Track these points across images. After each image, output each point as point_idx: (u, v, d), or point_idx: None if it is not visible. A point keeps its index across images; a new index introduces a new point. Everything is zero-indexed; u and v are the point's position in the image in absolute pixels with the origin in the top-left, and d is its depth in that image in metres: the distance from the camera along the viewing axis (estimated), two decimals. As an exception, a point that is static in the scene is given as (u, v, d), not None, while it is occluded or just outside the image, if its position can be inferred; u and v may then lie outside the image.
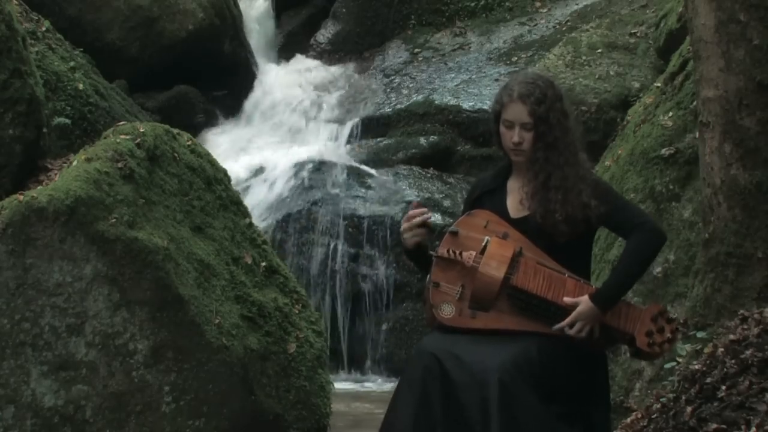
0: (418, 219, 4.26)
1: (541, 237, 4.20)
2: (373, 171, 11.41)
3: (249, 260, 6.30)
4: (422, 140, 11.84)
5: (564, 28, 12.93)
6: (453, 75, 12.75)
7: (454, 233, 4.23)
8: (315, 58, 13.89)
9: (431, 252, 4.25)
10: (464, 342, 4.08)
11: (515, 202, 4.30)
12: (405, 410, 4.04)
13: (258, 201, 10.91)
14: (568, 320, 4.10)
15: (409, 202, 10.77)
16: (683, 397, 4.16)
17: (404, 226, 4.28)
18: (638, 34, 11.46)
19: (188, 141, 6.42)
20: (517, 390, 3.95)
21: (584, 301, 4.11)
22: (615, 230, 4.39)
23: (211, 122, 12.76)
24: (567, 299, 4.12)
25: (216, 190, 6.37)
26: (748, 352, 4.09)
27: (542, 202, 4.19)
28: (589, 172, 4.32)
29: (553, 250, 4.19)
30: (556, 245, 4.20)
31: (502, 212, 4.28)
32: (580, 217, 4.17)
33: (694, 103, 5.59)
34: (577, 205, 4.17)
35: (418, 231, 4.26)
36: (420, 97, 12.44)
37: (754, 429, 3.74)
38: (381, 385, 9.98)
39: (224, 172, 6.58)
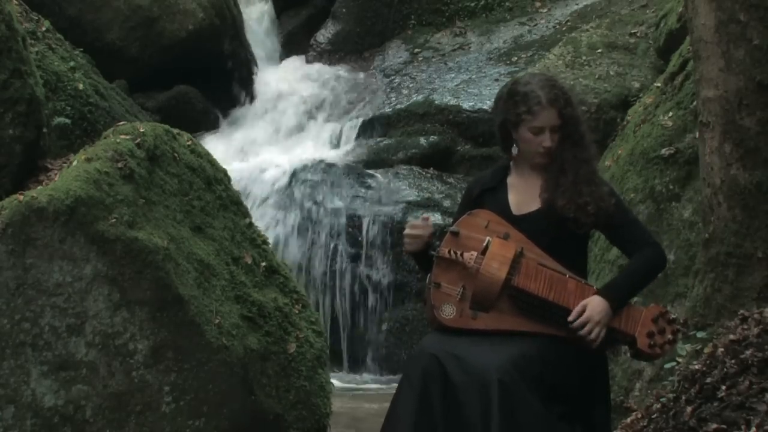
0: (418, 231, 4.28)
1: (544, 234, 4.21)
2: (373, 171, 11.41)
3: (249, 260, 6.30)
4: (422, 140, 11.84)
5: (564, 28, 12.93)
6: (453, 75, 12.74)
7: (455, 233, 4.23)
8: (315, 58, 13.89)
9: (432, 252, 4.25)
10: (464, 342, 4.09)
11: (518, 198, 4.31)
12: (405, 411, 4.05)
13: (258, 201, 10.91)
14: (581, 319, 4.09)
15: (408, 203, 10.80)
16: (683, 397, 4.16)
17: (405, 231, 4.34)
18: (638, 34, 11.46)
19: (188, 141, 6.41)
20: (516, 390, 3.95)
21: (592, 299, 4.12)
22: (620, 240, 4.34)
23: (211, 122, 12.75)
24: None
25: (216, 190, 6.37)
26: (748, 352, 4.08)
27: (573, 198, 4.21)
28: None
29: (554, 249, 4.20)
30: (557, 244, 4.20)
31: (504, 209, 4.29)
32: (610, 211, 4.21)
33: (694, 103, 5.59)
34: (604, 197, 4.22)
35: (417, 241, 4.28)
36: (420, 97, 12.43)
37: (754, 429, 3.74)
38: (381, 384, 9.97)
39: (224, 172, 6.57)
